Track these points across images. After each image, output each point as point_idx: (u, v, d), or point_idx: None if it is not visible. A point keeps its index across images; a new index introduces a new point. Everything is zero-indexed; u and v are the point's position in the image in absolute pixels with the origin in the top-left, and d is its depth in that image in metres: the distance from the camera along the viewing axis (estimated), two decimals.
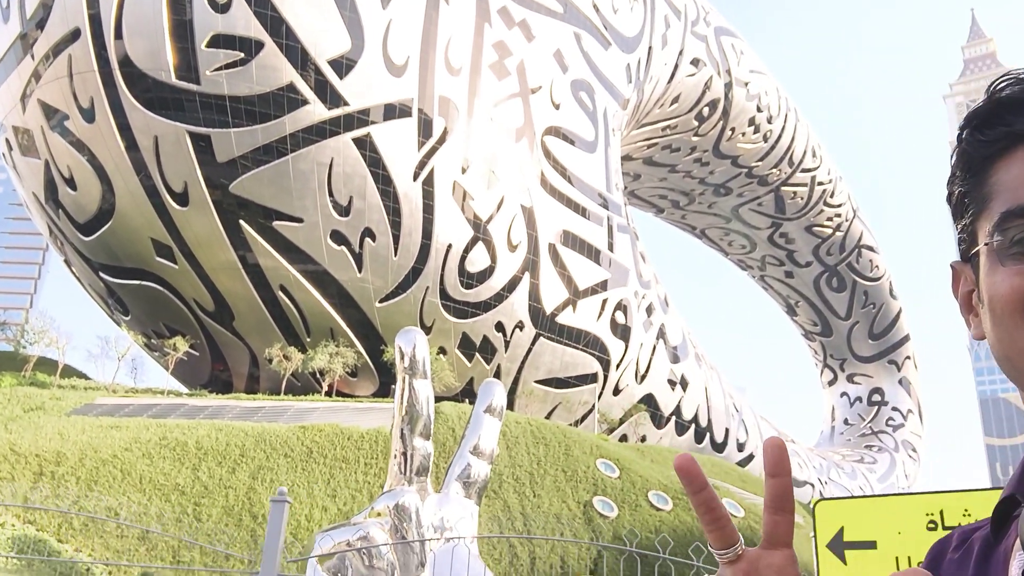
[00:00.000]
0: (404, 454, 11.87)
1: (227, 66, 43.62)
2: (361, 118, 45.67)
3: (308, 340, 47.51)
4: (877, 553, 2.84)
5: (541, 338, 51.71)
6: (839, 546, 2.98)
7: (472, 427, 12.57)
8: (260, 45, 43.98)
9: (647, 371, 57.19)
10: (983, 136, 1.01)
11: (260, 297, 46.92)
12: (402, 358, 11.89)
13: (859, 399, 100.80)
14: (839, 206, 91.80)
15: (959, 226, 1.07)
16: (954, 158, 1.06)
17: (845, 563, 3.01)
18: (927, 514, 2.45)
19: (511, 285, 49.95)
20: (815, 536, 3.07)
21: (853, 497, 2.81)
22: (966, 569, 1.07)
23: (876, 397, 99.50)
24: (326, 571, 10.13)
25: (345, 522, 10.74)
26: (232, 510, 32.24)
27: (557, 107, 54.58)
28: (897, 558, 2.86)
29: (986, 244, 0.98)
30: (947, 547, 1.13)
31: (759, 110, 79.31)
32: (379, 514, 10.60)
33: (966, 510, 2.35)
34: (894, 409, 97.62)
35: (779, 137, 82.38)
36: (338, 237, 46.12)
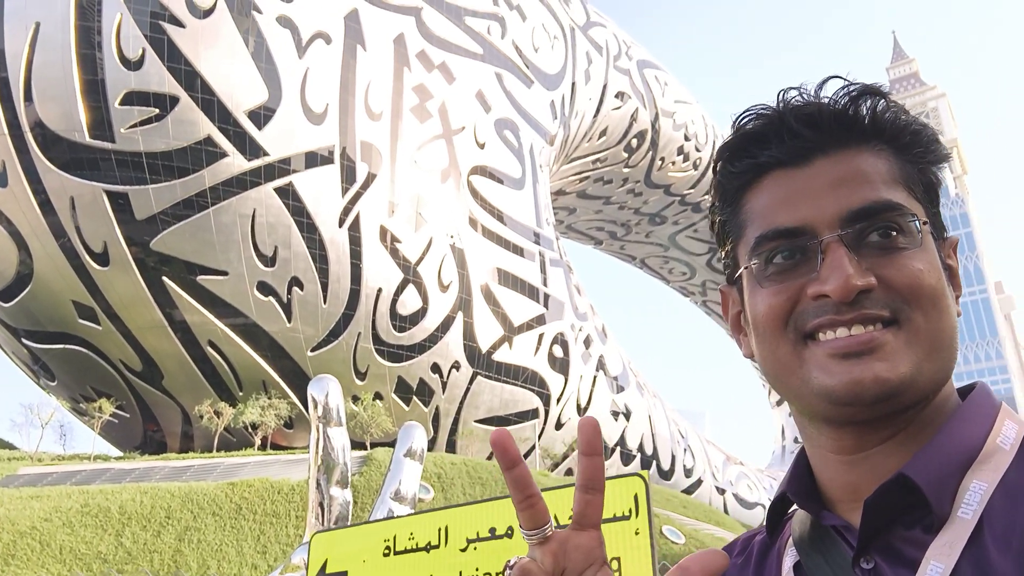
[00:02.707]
0: (321, 504, 11.70)
1: (142, 123, 43.26)
2: (282, 167, 45.54)
3: (240, 394, 46.75)
4: None
5: (479, 377, 51.55)
6: None
7: (393, 472, 12.45)
8: (175, 100, 43.75)
9: (588, 403, 57.25)
10: (733, 168, 1.08)
11: (189, 354, 46.13)
12: (315, 407, 11.76)
13: None
14: None
15: (723, 252, 1.14)
16: (713, 189, 1.13)
17: None
18: (384, 540, 2.49)
19: (445, 325, 49.83)
20: (307, 569, 3.08)
21: (338, 528, 2.83)
22: (747, 571, 1.11)
23: None
24: None
25: None
26: (158, 575, 31.37)
27: (482, 146, 55.04)
28: None
29: (746, 268, 1.05)
30: (731, 553, 1.16)
31: (687, 139, 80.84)
32: (296, 567, 10.36)
33: (411, 534, 2.37)
34: None
35: (708, 164, 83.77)
36: (265, 288, 45.68)
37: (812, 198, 1.01)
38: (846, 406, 0.96)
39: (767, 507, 1.17)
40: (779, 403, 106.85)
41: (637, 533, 1.94)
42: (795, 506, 1.10)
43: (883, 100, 1.04)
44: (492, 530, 2.14)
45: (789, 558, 1.06)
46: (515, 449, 0.95)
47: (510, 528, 2.06)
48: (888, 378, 0.93)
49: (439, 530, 2.29)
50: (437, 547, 2.27)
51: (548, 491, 2.22)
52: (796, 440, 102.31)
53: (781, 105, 1.06)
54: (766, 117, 1.06)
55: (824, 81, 1.06)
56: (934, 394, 0.98)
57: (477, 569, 2.14)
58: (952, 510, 0.90)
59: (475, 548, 2.17)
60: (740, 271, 1.08)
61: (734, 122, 1.09)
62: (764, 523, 1.16)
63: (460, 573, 2.19)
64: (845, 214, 0.98)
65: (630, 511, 1.86)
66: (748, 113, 1.08)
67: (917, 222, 0.99)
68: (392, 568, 2.40)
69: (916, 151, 1.05)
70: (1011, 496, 0.89)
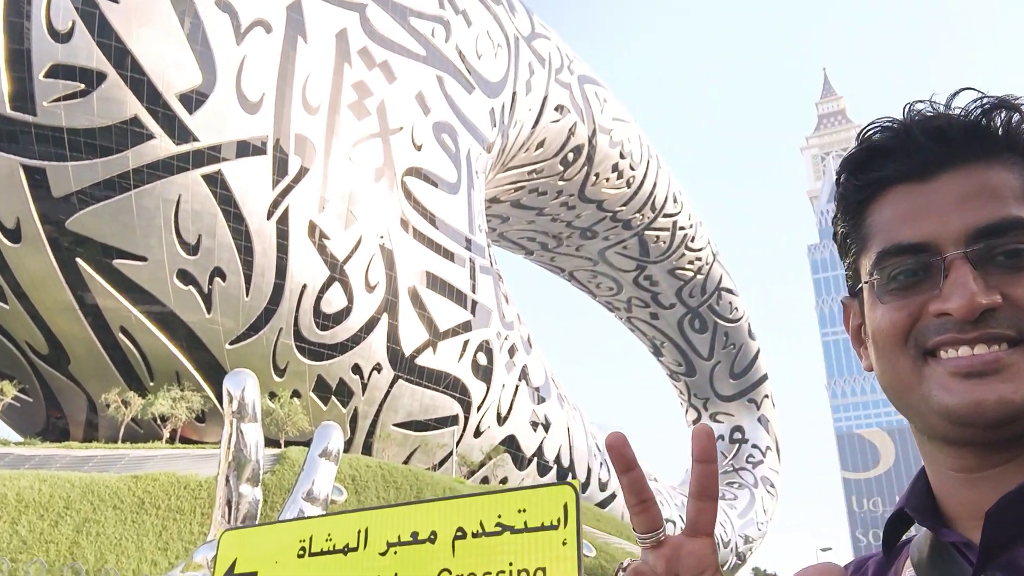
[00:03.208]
0: (230, 501, 11.23)
1: (66, 97, 41.68)
2: (212, 154, 44.39)
3: (152, 384, 45.26)
4: None
5: (400, 380, 51.02)
6: None
7: (306, 472, 12.06)
8: (103, 76, 42.27)
9: (509, 412, 57.24)
10: (857, 181, 1.07)
11: (99, 340, 44.48)
12: (230, 401, 11.32)
13: (721, 437, 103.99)
14: (699, 250, 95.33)
15: (845, 263, 1.13)
16: (836, 201, 1.12)
17: None
18: (299, 540, 2.35)
19: (369, 326, 49.21)
20: (210, 568, 2.92)
21: (250, 527, 2.70)
22: None
23: (737, 435, 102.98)
24: None
25: None
26: (53, 566, 30.08)
27: (419, 148, 54.66)
28: None
29: (866, 282, 1.05)
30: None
31: (622, 156, 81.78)
32: (198, 566, 9.91)
33: (329, 535, 2.25)
34: (753, 446, 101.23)
35: (642, 183, 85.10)
36: (185, 276, 44.39)
37: (937, 214, 0.98)
38: (966, 427, 0.93)
39: (884, 526, 1.11)
40: (695, 423, 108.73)
41: (564, 543, 1.83)
42: (914, 526, 1.07)
43: (1018, 113, 1.01)
44: (414, 534, 2.01)
45: None
46: (631, 453, 0.97)
47: (433, 533, 1.93)
48: (1012, 399, 0.91)
49: (359, 532, 2.14)
50: (356, 550, 2.14)
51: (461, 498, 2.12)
52: None
53: (908, 118, 1.04)
54: (892, 130, 1.04)
55: (955, 93, 1.03)
56: None
57: (396, 574, 2.02)
58: None
59: (395, 552, 2.05)
60: (861, 284, 1.07)
61: (859, 134, 1.08)
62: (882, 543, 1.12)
63: None
64: (971, 231, 0.96)
65: (558, 520, 1.75)
66: (873, 125, 1.06)
67: None
68: (306, 570, 2.24)
69: None
70: None
